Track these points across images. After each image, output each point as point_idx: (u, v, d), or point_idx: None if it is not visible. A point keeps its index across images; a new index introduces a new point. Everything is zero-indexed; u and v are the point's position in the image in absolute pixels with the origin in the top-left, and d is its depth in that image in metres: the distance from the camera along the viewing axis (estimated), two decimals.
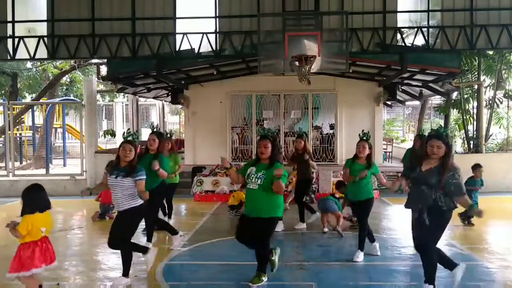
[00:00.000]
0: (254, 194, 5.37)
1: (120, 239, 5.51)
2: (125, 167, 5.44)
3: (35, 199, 4.70)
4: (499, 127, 15.35)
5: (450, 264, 5.13)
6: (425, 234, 4.90)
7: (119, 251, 5.77)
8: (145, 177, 5.51)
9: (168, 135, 9.42)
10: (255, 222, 5.37)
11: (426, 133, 7.54)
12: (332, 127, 15.87)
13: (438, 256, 5.02)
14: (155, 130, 7.40)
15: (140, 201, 5.45)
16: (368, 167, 6.48)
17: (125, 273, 5.56)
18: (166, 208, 9.00)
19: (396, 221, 9.17)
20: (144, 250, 5.80)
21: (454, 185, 4.78)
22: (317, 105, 15.68)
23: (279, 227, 8.09)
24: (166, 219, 8.98)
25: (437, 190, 4.81)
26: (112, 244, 5.55)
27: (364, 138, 6.68)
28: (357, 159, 6.61)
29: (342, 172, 7.98)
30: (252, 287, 5.36)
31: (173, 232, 7.32)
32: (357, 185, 6.51)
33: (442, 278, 5.54)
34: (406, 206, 5.10)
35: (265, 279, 5.47)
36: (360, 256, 6.42)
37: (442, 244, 7.16)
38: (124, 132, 5.77)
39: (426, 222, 4.82)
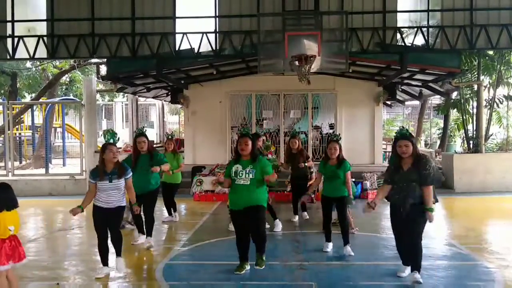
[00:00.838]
0: (246, 189, 5.78)
1: (118, 232, 5.95)
2: (114, 169, 5.67)
3: (2, 198, 4.71)
4: (499, 127, 15.33)
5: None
6: (417, 226, 5.31)
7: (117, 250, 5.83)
8: (131, 174, 5.91)
9: (170, 136, 9.46)
10: (249, 211, 5.77)
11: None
12: (331, 127, 15.85)
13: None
14: (141, 132, 7.46)
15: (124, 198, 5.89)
16: (339, 167, 6.73)
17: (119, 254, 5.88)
18: (168, 207, 9.13)
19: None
20: (119, 252, 5.99)
21: (424, 176, 5.20)
22: (316, 105, 15.67)
23: (278, 227, 8.17)
24: (171, 218, 9.06)
25: (421, 186, 5.23)
26: (106, 239, 5.82)
27: (334, 139, 6.96)
28: (328, 161, 6.84)
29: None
30: (260, 269, 5.81)
31: (142, 232, 7.40)
32: (332, 183, 6.77)
33: (442, 278, 5.56)
34: (392, 203, 5.48)
35: (264, 259, 5.94)
36: (328, 247, 6.85)
37: (442, 244, 7.18)
38: (104, 134, 5.93)
39: (409, 216, 5.23)
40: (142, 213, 7.23)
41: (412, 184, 5.23)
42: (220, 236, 7.92)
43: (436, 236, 7.81)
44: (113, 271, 5.92)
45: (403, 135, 5.38)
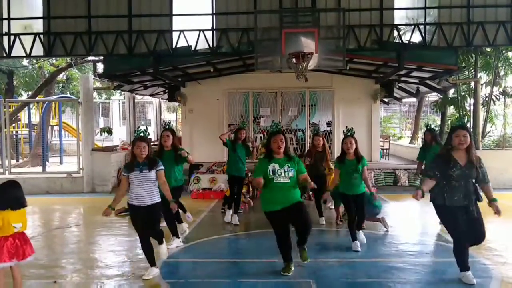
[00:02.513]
0: (286, 187, 5.54)
1: (156, 230, 5.79)
2: (145, 162, 5.60)
3: (7, 196, 4.69)
4: (491, 126, 15.33)
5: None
6: (480, 226, 5.15)
7: (115, 249, 5.81)
8: (163, 167, 5.75)
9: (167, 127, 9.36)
10: (292, 209, 5.51)
11: (433, 127, 7.55)
12: (329, 124, 15.87)
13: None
14: (167, 126, 7.39)
15: (158, 194, 5.72)
16: (358, 161, 6.71)
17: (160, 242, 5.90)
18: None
19: (393, 218, 9.17)
20: (161, 241, 5.94)
21: (482, 173, 5.10)
22: (314, 102, 15.69)
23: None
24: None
25: (474, 182, 5.10)
26: (148, 238, 5.70)
27: (349, 134, 6.87)
28: (346, 156, 6.79)
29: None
30: (305, 263, 5.69)
31: (176, 235, 7.20)
32: (351, 180, 6.72)
33: (440, 275, 5.56)
34: (449, 204, 5.13)
35: None
36: (357, 246, 6.69)
37: (440, 240, 7.18)
38: (135, 130, 5.86)
39: (475, 215, 5.06)
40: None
41: (471, 181, 5.06)
42: (218, 233, 7.92)
43: (433, 233, 7.83)
44: (110, 269, 5.91)
45: (463, 125, 5.20)
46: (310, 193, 11.20)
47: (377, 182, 12.87)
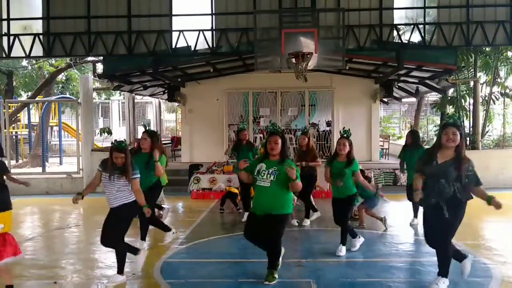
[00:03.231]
0: (265, 192, 5.27)
1: (114, 237, 5.50)
2: (119, 167, 5.41)
3: None
4: (488, 125, 15.28)
5: (460, 255, 5.16)
6: (444, 228, 4.88)
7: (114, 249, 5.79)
8: (139, 175, 5.54)
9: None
10: (266, 220, 5.26)
11: (417, 129, 7.58)
12: (328, 124, 15.88)
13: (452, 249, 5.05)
14: (147, 129, 7.33)
15: (132, 198, 5.47)
16: (348, 165, 6.48)
17: (120, 271, 5.58)
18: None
19: (393, 217, 9.18)
20: (134, 251, 5.78)
21: (470, 176, 4.78)
22: (313, 102, 15.69)
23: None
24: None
25: (455, 182, 4.79)
26: (105, 242, 5.54)
27: (345, 135, 6.62)
28: (337, 157, 6.60)
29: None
30: (268, 285, 5.29)
31: (166, 229, 7.23)
32: (335, 182, 6.55)
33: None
34: (424, 201, 5.01)
35: (277, 276, 5.40)
36: (342, 250, 6.55)
37: None
38: (115, 140, 5.62)
39: (446, 216, 4.78)
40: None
41: (447, 181, 4.78)
42: (218, 234, 7.92)
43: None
44: (110, 270, 5.91)
45: (455, 122, 4.90)
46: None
47: (376, 181, 12.86)
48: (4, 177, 6.37)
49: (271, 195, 5.24)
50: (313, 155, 8.67)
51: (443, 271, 5.04)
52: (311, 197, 9.13)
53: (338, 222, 6.64)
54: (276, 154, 5.35)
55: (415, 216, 8.43)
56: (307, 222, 8.61)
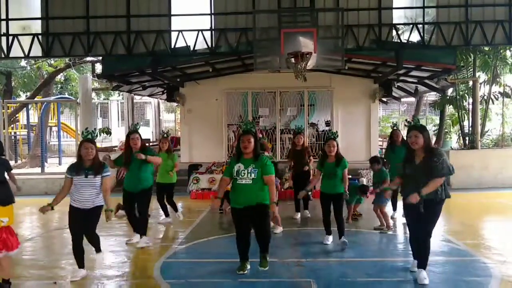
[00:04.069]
0: (248, 188, 5.58)
1: (93, 233, 5.82)
2: (92, 166, 5.55)
3: None
4: (483, 124, 15.29)
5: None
6: (426, 224, 5.22)
7: (115, 250, 5.83)
8: (110, 173, 5.73)
9: (165, 135, 9.42)
10: (252, 210, 5.60)
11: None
12: (328, 124, 15.87)
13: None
14: (135, 128, 7.37)
15: (101, 198, 5.65)
16: (338, 164, 6.85)
17: (98, 250, 5.92)
18: (168, 207, 9.01)
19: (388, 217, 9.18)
20: (98, 249, 5.95)
21: (432, 168, 5.08)
22: (313, 102, 15.67)
23: (278, 229, 7.99)
24: (168, 220, 8.97)
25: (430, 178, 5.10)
26: (80, 241, 5.74)
27: (332, 137, 7.02)
28: (326, 159, 6.93)
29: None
30: (265, 269, 5.73)
31: (144, 233, 7.33)
32: (331, 181, 6.88)
33: (440, 274, 5.57)
34: (406, 200, 5.25)
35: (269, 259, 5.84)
36: (328, 240, 7.03)
37: (439, 239, 7.20)
38: (82, 131, 5.81)
39: (421, 210, 5.04)
40: (136, 212, 7.26)
41: (424, 179, 5.09)
42: (217, 234, 7.93)
43: (433, 232, 7.83)
44: (110, 270, 5.91)
45: (415, 126, 5.42)
46: (310, 193, 11.20)
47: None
48: (6, 174, 6.94)
49: (253, 191, 5.59)
50: (308, 154, 9.25)
51: (424, 264, 5.32)
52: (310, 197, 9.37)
53: (327, 217, 6.98)
54: (249, 152, 5.63)
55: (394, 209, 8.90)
56: (297, 215, 9.18)
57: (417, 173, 5.19)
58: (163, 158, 8.32)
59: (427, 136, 5.25)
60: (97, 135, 5.85)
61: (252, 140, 5.62)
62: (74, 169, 5.62)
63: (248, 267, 5.79)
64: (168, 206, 8.99)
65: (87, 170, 5.52)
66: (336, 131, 7.18)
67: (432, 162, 5.09)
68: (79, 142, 5.76)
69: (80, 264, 5.74)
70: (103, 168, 5.61)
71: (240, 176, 5.59)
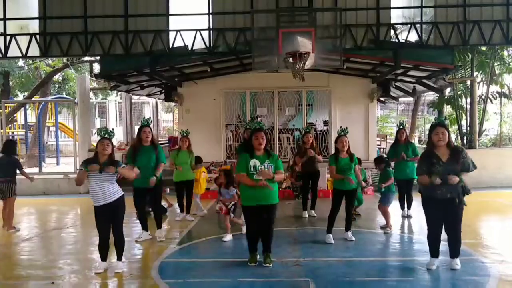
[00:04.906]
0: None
1: (121, 226, 5.94)
2: (106, 161, 5.68)
3: None
4: (481, 123, 15.31)
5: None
6: (457, 220, 5.55)
7: (113, 249, 5.83)
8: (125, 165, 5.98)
9: (185, 133, 9.54)
10: (266, 209, 5.86)
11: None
12: (326, 123, 15.88)
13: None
14: (146, 123, 7.48)
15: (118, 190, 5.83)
16: (352, 160, 7.08)
17: (120, 258, 6.02)
18: (185, 204, 9.22)
19: (391, 217, 9.18)
20: (120, 256, 6.08)
21: (463, 163, 5.38)
22: (311, 102, 15.68)
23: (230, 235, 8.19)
24: (184, 215, 9.18)
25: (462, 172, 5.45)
26: (120, 237, 5.92)
27: (343, 133, 7.23)
28: (340, 154, 7.11)
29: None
30: (269, 266, 5.90)
31: (146, 228, 7.63)
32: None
33: (438, 273, 5.57)
34: (432, 197, 5.51)
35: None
36: (330, 239, 7.14)
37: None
38: (99, 129, 6.06)
39: (457, 208, 5.43)
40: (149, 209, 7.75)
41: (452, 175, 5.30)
42: (216, 233, 7.91)
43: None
44: (108, 270, 5.91)
45: (441, 123, 5.59)
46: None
47: (374, 181, 12.86)
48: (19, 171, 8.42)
49: (270, 186, 5.79)
50: (316, 152, 9.43)
51: (458, 253, 5.69)
52: (309, 196, 9.40)
53: (335, 214, 7.16)
54: (262, 149, 5.87)
55: (407, 207, 9.07)
56: (312, 213, 9.30)
57: (447, 170, 5.33)
58: (184, 156, 8.87)
59: (450, 134, 5.51)
60: (114, 134, 6.02)
61: (264, 136, 5.87)
62: (88, 163, 5.69)
63: (258, 258, 6.02)
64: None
65: (103, 164, 5.63)
66: (346, 128, 7.33)
67: (461, 158, 5.35)
68: (97, 140, 5.94)
69: (103, 257, 5.91)
70: (116, 163, 5.76)
71: (257, 172, 5.74)
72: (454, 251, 5.67)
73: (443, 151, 5.38)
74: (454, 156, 5.36)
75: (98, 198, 5.69)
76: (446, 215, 5.54)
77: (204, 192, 11.80)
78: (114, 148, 5.96)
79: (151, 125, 7.44)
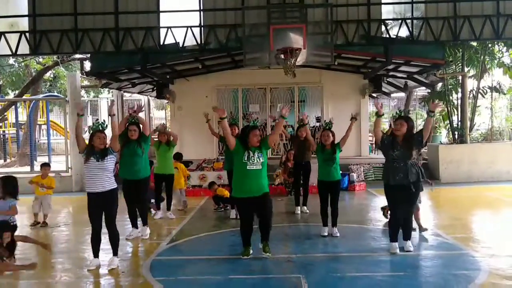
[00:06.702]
0: (258, 174, 6.04)
1: (114, 218, 5.95)
2: (100, 150, 5.77)
3: None
4: (472, 118, 15.38)
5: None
6: (412, 203, 6.21)
7: (105, 248, 5.82)
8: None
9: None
10: (259, 199, 6.03)
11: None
12: (318, 119, 15.91)
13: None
14: (133, 120, 7.49)
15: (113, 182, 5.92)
16: (334, 152, 7.29)
17: (116, 253, 5.99)
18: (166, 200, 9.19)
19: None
20: (115, 251, 6.07)
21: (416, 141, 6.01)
22: (303, 98, 15.70)
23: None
24: (161, 212, 9.10)
25: (416, 164, 6.04)
26: (111, 226, 5.93)
27: (327, 127, 7.45)
28: (324, 147, 7.34)
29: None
30: (268, 256, 6.05)
31: (135, 226, 7.63)
32: (328, 167, 7.25)
33: (429, 268, 5.60)
34: (392, 183, 6.05)
35: None
36: (325, 231, 7.28)
37: (428, 233, 7.24)
38: (93, 123, 6.05)
39: (413, 190, 5.98)
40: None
41: (409, 162, 5.94)
42: (208, 231, 7.91)
43: (424, 226, 7.88)
44: (100, 268, 5.88)
45: (401, 116, 6.22)
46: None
47: (366, 176, 12.91)
48: None
49: (262, 176, 6.08)
50: (311, 143, 9.09)
51: (409, 235, 6.31)
52: (301, 192, 9.35)
53: (325, 205, 7.29)
54: (257, 142, 6.11)
55: None
56: (305, 209, 9.27)
57: (404, 157, 5.95)
58: (163, 150, 8.95)
59: (411, 125, 6.11)
60: (106, 126, 6.05)
61: (259, 133, 6.18)
62: (88, 155, 5.77)
63: (251, 251, 6.11)
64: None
65: (98, 155, 5.73)
66: (330, 121, 7.52)
67: (414, 139, 5.99)
68: (90, 134, 6.00)
69: (95, 253, 5.92)
70: (108, 151, 5.84)
71: (250, 161, 5.99)
72: (407, 233, 6.24)
73: (400, 138, 6.00)
74: (408, 139, 5.97)
75: (93, 185, 5.75)
76: (403, 200, 6.05)
77: (196, 189, 11.85)
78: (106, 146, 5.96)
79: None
